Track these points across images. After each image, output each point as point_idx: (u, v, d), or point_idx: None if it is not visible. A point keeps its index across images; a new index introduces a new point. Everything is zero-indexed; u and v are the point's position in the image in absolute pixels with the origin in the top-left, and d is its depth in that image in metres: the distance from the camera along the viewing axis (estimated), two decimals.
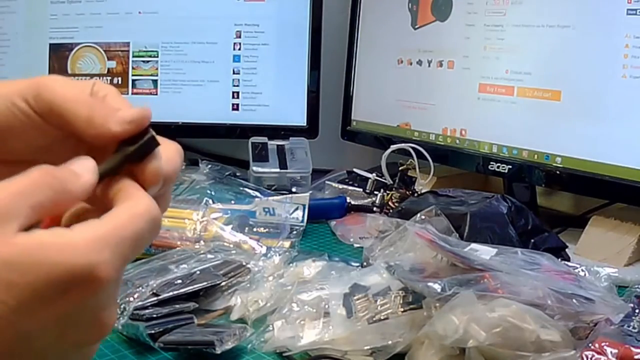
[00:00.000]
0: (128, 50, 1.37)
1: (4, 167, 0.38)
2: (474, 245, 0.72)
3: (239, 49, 1.36)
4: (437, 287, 0.60)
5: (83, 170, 0.35)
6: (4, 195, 0.31)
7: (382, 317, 0.64)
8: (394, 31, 1.27)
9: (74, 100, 0.37)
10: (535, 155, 1.02)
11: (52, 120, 0.37)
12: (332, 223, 1.08)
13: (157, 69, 1.37)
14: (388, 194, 1.12)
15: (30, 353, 0.32)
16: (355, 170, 1.25)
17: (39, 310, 0.31)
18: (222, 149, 1.49)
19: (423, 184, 1.15)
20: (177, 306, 0.70)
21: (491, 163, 1.09)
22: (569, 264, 0.84)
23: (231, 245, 0.91)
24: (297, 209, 1.02)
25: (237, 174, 1.25)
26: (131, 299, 0.69)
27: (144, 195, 0.35)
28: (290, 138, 1.27)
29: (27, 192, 0.32)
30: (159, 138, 0.37)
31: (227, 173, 1.22)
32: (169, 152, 0.38)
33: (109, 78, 1.37)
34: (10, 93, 0.38)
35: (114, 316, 0.35)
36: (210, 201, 1.00)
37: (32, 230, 0.32)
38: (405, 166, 1.17)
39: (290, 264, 0.83)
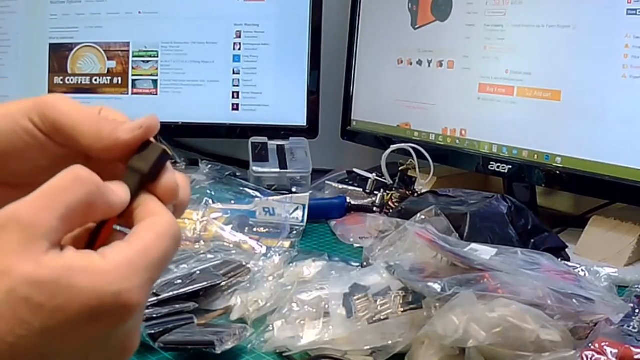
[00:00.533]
0: (128, 50, 1.37)
1: (5, 190, 0.38)
2: (474, 245, 0.72)
3: (239, 49, 1.36)
4: (437, 287, 0.60)
5: (116, 188, 0.35)
6: (29, 209, 0.31)
7: (382, 317, 0.64)
8: (394, 31, 1.27)
9: (81, 117, 0.36)
10: (535, 155, 1.02)
11: (58, 138, 0.37)
12: (332, 223, 1.08)
13: (157, 69, 1.37)
14: (388, 194, 1.12)
15: None
16: (355, 170, 1.24)
17: (64, 335, 0.30)
18: (222, 149, 1.49)
19: (423, 184, 1.15)
20: (177, 306, 0.70)
21: (491, 163, 1.09)
22: (569, 264, 0.84)
23: (231, 245, 0.91)
24: (297, 209, 1.02)
25: (237, 174, 1.25)
26: None
27: (165, 211, 0.35)
28: (290, 138, 1.27)
29: (58, 198, 0.31)
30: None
31: (227, 173, 1.22)
32: (181, 180, 0.38)
33: (109, 78, 1.37)
34: (14, 113, 0.37)
35: (137, 341, 0.35)
36: (210, 201, 1.00)
37: (64, 250, 0.31)
38: (405, 166, 1.17)
39: (290, 264, 0.83)
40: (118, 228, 0.36)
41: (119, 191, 0.35)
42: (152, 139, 0.37)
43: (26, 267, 0.29)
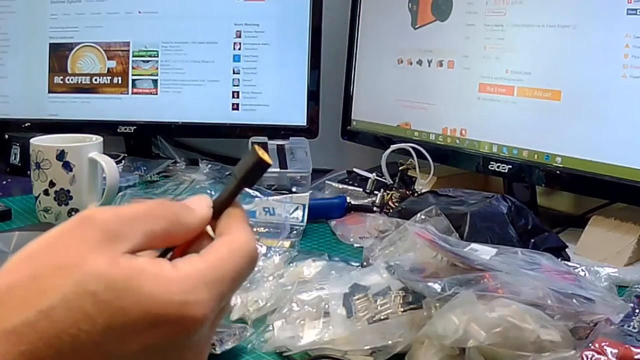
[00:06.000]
0: (128, 50, 1.37)
1: None
2: (474, 245, 0.72)
3: (239, 49, 1.36)
4: (437, 287, 0.60)
5: (196, 206, 0.35)
6: (117, 218, 0.32)
7: (382, 317, 0.64)
8: (394, 31, 1.27)
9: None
10: (535, 155, 1.02)
11: None
12: (332, 223, 1.08)
13: (157, 68, 1.37)
14: (388, 194, 1.12)
15: None
16: (355, 170, 1.24)
17: (125, 337, 0.30)
18: (222, 149, 1.49)
19: (423, 184, 1.15)
20: None
21: (491, 163, 1.09)
22: (569, 264, 0.84)
23: None
24: (297, 208, 1.02)
25: None
26: None
27: (243, 229, 0.35)
28: (290, 138, 1.27)
29: (141, 219, 0.32)
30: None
31: (227, 173, 1.22)
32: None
33: (109, 78, 1.37)
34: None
35: (203, 357, 0.34)
36: None
37: (140, 254, 0.32)
38: (405, 166, 1.17)
39: (290, 264, 0.83)
40: (210, 233, 0.36)
41: (198, 210, 0.35)
42: (257, 146, 0.37)
43: (99, 263, 0.30)
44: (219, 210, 0.36)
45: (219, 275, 0.32)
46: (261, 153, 0.37)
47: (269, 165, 0.37)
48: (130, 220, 0.32)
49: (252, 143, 0.39)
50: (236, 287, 0.34)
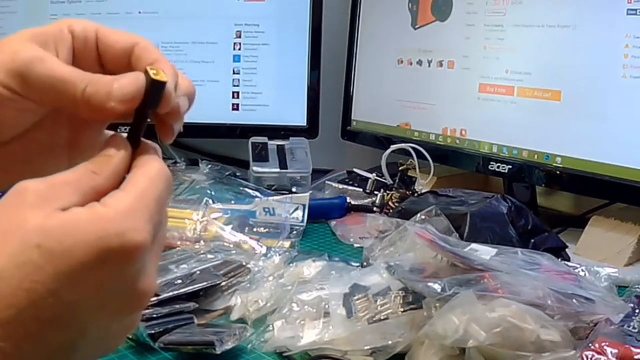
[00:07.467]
0: None
1: None
2: (474, 245, 0.72)
3: (239, 49, 1.36)
4: (437, 287, 0.60)
5: (113, 152, 0.37)
6: (49, 184, 0.34)
7: (382, 317, 0.64)
8: (394, 31, 1.27)
9: (65, 77, 0.37)
10: (535, 155, 1.02)
11: (37, 98, 0.38)
12: (332, 223, 1.08)
13: None
14: (388, 194, 1.12)
15: (74, 323, 0.33)
16: (355, 170, 1.24)
17: (77, 279, 0.32)
18: (222, 149, 1.49)
19: (423, 184, 1.15)
20: (177, 306, 0.70)
21: (491, 163, 1.09)
22: (569, 264, 0.84)
23: (231, 245, 0.91)
24: (297, 209, 1.02)
25: (237, 174, 1.25)
26: None
27: (155, 159, 0.38)
28: (290, 138, 1.27)
29: (71, 183, 0.35)
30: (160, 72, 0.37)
31: (227, 173, 1.22)
32: (180, 81, 0.40)
33: None
34: None
35: (153, 284, 0.36)
36: (210, 201, 1.00)
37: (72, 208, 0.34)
38: (405, 166, 1.17)
39: (290, 264, 0.83)
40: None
41: (118, 156, 0.37)
42: (148, 68, 0.37)
43: (37, 218, 0.32)
44: (133, 142, 0.38)
45: (145, 202, 0.35)
46: (153, 73, 0.37)
47: (164, 84, 0.37)
48: (61, 185, 0.34)
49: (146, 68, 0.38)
50: (161, 211, 0.36)
